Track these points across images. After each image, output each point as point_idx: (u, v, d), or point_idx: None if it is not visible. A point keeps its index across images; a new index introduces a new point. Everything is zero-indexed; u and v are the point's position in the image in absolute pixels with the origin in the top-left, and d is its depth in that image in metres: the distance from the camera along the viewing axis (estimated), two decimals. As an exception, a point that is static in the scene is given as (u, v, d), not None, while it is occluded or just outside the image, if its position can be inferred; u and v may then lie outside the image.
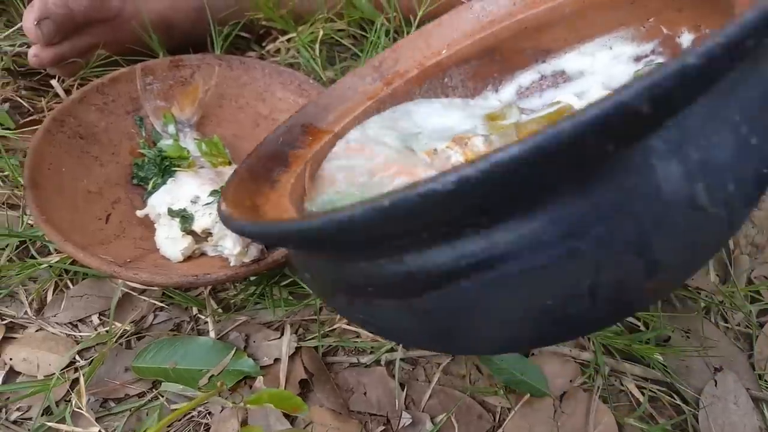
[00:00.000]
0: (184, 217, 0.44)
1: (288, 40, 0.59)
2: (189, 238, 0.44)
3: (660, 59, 0.37)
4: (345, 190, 0.33)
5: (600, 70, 0.39)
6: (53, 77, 0.58)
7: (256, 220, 0.26)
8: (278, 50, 0.61)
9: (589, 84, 0.39)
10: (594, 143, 0.17)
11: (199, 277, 0.40)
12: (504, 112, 0.38)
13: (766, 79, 0.22)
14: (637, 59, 0.38)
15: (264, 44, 0.61)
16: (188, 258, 0.44)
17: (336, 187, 0.33)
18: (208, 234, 0.44)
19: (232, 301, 0.46)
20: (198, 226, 0.44)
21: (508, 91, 0.40)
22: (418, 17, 0.55)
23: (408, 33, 0.56)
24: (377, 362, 0.44)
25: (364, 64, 0.40)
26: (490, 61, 0.39)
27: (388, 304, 0.24)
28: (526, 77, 0.40)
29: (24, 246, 0.48)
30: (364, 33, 0.59)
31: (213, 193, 0.46)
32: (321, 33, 0.56)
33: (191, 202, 0.45)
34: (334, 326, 0.45)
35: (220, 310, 0.45)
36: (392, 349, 0.44)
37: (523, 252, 0.21)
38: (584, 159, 0.18)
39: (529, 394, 0.41)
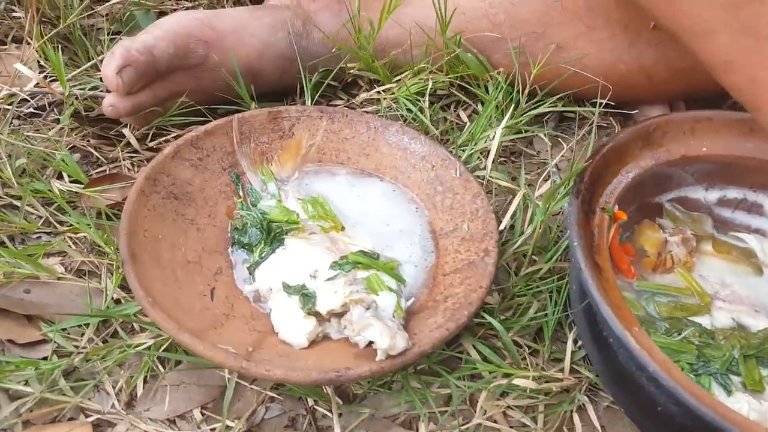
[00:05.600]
0: (306, 296, 0.39)
1: (385, 91, 0.54)
2: (313, 320, 0.38)
3: None
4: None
5: None
6: (126, 125, 0.53)
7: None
8: (369, 100, 0.56)
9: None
10: None
11: (342, 374, 0.34)
12: (700, 217, 0.48)
13: None
14: None
15: (356, 93, 0.57)
16: (312, 342, 0.38)
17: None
18: (332, 315, 0.38)
19: (357, 392, 0.40)
20: (323, 307, 0.38)
21: (714, 194, 0.48)
22: (533, 75, 0.51)
23: (521, 91, 0.52)
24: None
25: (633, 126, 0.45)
26: (722, 171, 0.47)
27: None
28: (733, 193, 0.48)
29: (107, 323, 0.41)
30: (464, 85, 0.55)
31: (334, 265, 0.40)
32: (430, 84, 0.51)
33: (310, 276, 0.40)
34: (469, 423, 0.39)
35: (340, 402, 0.39)
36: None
37: None
38: None
39: None
